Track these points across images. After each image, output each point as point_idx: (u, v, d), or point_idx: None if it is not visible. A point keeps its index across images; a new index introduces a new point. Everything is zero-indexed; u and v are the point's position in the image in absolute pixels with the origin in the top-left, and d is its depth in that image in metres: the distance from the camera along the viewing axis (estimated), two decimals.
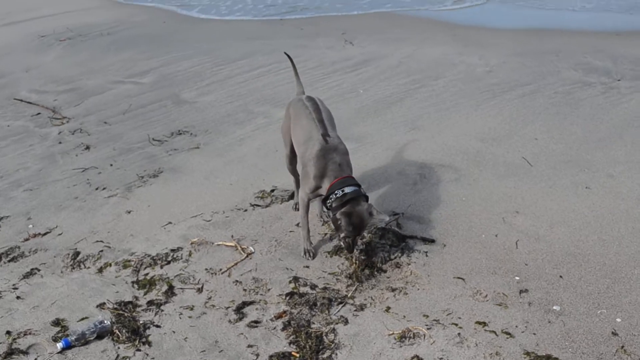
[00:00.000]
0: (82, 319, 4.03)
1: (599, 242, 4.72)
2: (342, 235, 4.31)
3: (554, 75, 8.60)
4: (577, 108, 7.38)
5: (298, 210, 5.14)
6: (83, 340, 3.79)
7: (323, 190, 4.45)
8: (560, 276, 4.33)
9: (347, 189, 4.30)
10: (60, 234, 5.14)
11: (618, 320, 3.89)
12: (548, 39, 10.68)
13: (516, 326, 3.86)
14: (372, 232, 4.77)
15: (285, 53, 5.80)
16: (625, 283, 4.24)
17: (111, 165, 6.44)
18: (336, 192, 4.30)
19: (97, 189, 5.91)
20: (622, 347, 3.66)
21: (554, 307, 4.02)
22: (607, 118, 7.03)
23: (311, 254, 4.64)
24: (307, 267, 4.52)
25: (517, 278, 4.32)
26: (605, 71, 8.68)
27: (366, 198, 4.39)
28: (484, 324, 3.89)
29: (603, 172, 5.77)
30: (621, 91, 7.86)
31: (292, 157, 5.09)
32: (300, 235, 4.76)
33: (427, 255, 4.60)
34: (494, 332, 3.81)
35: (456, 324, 3.89)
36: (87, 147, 6.93)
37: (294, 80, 5.59)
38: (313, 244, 4.74)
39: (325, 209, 4.68)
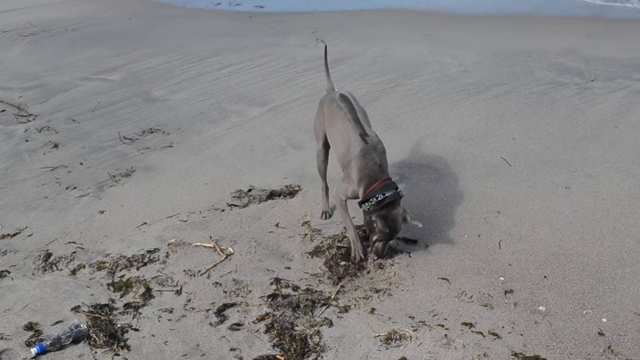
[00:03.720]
0: (57, 322, 3.89)
1: (581, 242, 4.70)
2: (375, 238, 4.30)
3: (528, 76, 8.62)
4: (553, 108, 7.39)
5: (326, 218, 5.07)
6: (58, 344, 3.65)
7: (361, 193, 4.40)
8: (545, 276, 4.29)
9: (388, 193, 4.27)
10: (30, 235, 4.97)
11: (604, 320, 3.86)
12: (519, 40, 10.71)
13: (503, 327, 3.81)
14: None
15: (322, 41, 5.70)
16: (609, 283, 4.22)
17: (81, 164, 6.27)
18: (377, 195, 4.27)
19: (67, 188, 5.74)
20: (609, 347, 3.64)
21: (540, 308, 3.98)
22: (583, 118, 7.05)
23: (366, 257, 4.51)
24: (289, 268, 4.42)
25: (501, 278, 4.27)
26: (578, 72, 8.72)
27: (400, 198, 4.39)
28: (471, 325, 3.83)
29: (582, 172, 5.76)
30: (595, 92, 7.90)
31: (325, 153, 4.97)
32: (288, 233, 4.65)
33: (410, 256, 4.54)
34: (481, 333, 3.76)
35: (442, 325, 3.83)
36: (56, 145, 6.74)
37: (324, 75, 5.51)
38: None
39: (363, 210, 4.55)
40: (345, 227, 4.68)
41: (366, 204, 4.33)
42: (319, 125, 4.92)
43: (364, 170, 4.37)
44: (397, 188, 4.35)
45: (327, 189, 5.09)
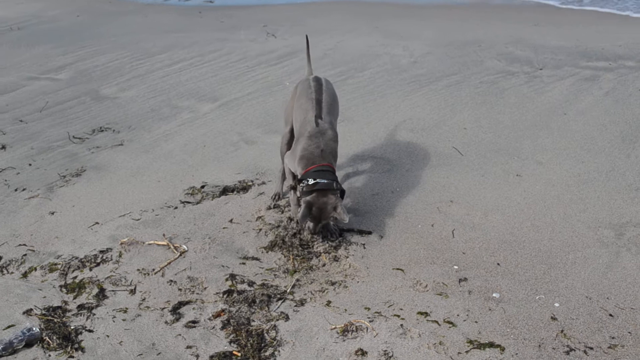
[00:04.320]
0: (8, 326, 3.79)
1: (533, 228, 4.76)
2: (301, 216, 4.34)
3: (478, 65, 8.71)
4: (503, 97, 7.48)
5: (277, 200, 5.15)
6: (10, 349, 3.56)
7: (299, 171, 4.47)
8: (498, 264, 4.34)
9: (319, 180, 4.31)
10: None
11: (556, 305, 3.92)
12: (468, 30, 10.81)
13: (458, 315, 3.84)
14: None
15: (306, 36, 5.73)
16: (560, 268, 4.28)
17: (30, 165, 6.15)
18: (308, 179, 4.32)
19: (16, 190, 5.62)
20: (562, 331, 3.69)
21: (494, 295, 4.02)
22: (532, 107, 7.15)
23: (278, 197, 4.98)
24: (244, 264, 4.40)
25: (455, 267, 4.31)
26: (527, 61, 8.84)
27: (342, 192, 4.44)
28: (426, 314, 3.85)
29: (532, 160, 5.84)
30: (544, 80, 8.01)
31: (290, 137, 5.01)
32: (242, 228, 4.63)
33: (364, 248, 4.55)
34: (437, 322, 3.78)
35: (398, 315, 3.84)
36: (3, 147, 6.59)
37: (306, 62, 5.56)
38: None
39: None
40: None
41: (300, 185, 4.39)
42: (290, 108, 4.99)
43: (305, 151, 4.44)
44: (335, 178, 4.40)
45: (284, 173, 5.09)
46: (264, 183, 5.44)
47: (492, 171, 5.65)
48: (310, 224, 4.39)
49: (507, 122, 6.74)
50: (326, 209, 4.32)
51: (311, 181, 4.33)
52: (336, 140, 4.62)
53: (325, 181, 4.34)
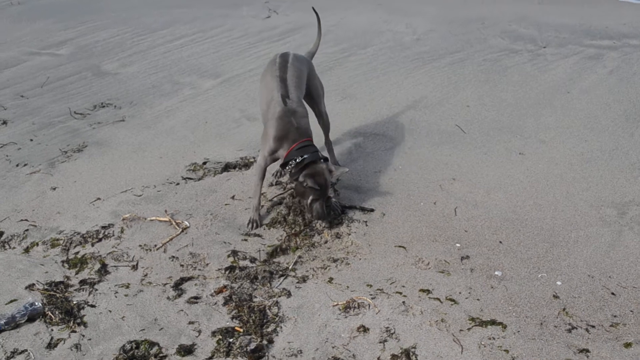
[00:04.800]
0: (11, 301, 3.80)
1: (535, 207, 4.75)
2: (310, 199, 4.32)
3: (481, 43, 8.65)
4: (506, 75, 7.44)
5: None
6: (13, 323, 3.57)
7: (281, 155, 4.42)
8: (500, 242, 4.33)
9: (306, 155, 4.29)
10: None
11: (558, 283, 3.92)
12: (472, 7, 10.73)
13: (460, 292, 3.85)
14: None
15: (312, 8, 5.63)
16: (562, 247, 4.28)
17: (31, 140, 6.13)
18: (296, 158, 4.30)
19: (17, 165, 5.60)
20: (564, 309, 3.69)
21: (496, 273, 4.02)
22: (535, 85, 7.11)
23: (257, 225, 4.53)
24: (246, 240, 4.39)
25: (457, 245, 4.30)
26: (530, 39, 8.79)
27: (325, 160, 4.41)
28: (428, 291, 3.86)
29: (535, 138, 5.82)
30: (547, 58, 7.97)
31: None
32: (244, 205, 4.64)
33: (367, 225, 4.54)
34: (439, 299, 3.78)
35: (400, 293, 3.85)
36: (4, 122, 6.57)
37: (314, 40, 5.66)
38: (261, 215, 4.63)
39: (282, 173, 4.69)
40: (254, 192, 4.63)
41: (287, 167, 4.37)
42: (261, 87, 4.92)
43: (281, 131, 4.39)
44: (317, 150, 4.41)
45: None
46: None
47: (494, 149, 5.63)
48: (317, 206, 4.34)
49: (510, 100, 6.71)
50: (325, 175, 4.32)
51: (299, 159, 4.32)
52: (307, 116, 4.57)
53: (310, 154, 4.33)
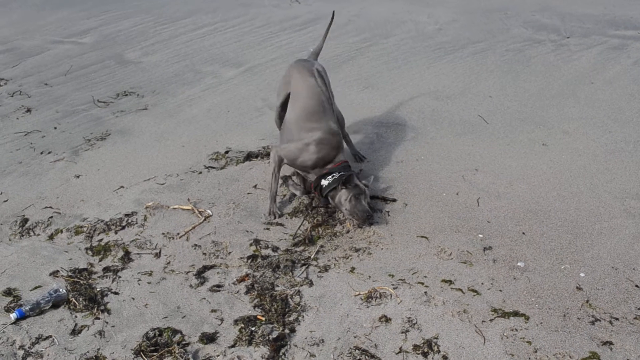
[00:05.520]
0: (35, 287, 3.85)
1: (559, 198, 4.72)
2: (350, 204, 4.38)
3: (504, 33, 8.60)
4: (529, 65, 7.39)
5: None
6: (38, 309, 3.61)
7: (314, 172, 4.58)
8: (523, 233, 4.31)
9: (344, 176, 4.42)
10: (5, 201, 4.90)
11: (582, 275, 3.89)
12: None
13: (482, 283, 3.83)
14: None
15: (333, 12, 5.72)
16: (586, 238, 4.25)
17: (55, 128, 6.18)
18: (341, 172, 4.47)
19: (42, 153, 5.66)
20: (587, 301, 3.67)
21: (519, 264, 4.00)
22: (558, 75, 7.06)
23: (276, 215, 4.55)
24: (268, 229, 4.41)
25: (480, 235, 4.29)
26: (554, 29, 8.72)
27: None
28: (450, 282, 3.85)
29: (558, 129, 5.78)
30: (571, 48, 7.91)
31: (284, 110, 5.03)
32: (266, 195, 4.68)
33: (389, 215, 4.54)
34: (461, 290, 3.77)
35: (422, 283, 3.84)
36: (28, 110, 6.64)
37: (321, 37, 5.55)
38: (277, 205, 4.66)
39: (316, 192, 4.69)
40: (272, 184, 4.65)
41: (323, 182, 4.48)
42: (285, 85, 4.98)
43: (322, 152, 4.55)
44: (352, 170, 4.61)
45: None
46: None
47: (517, 140, 5.60)
48: (364, 210, 4.36)
49: (534, 90, 6.66)
50: (366, 192, 4.43)
51: (336, 175, 4.45)
52: (340, 134, 4.77)
53: (345, 173, 4.45)
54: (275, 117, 5.19)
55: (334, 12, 5.69)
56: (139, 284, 3.89)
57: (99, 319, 3.61)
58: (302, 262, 4.06)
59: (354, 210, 4.33)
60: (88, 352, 3.37)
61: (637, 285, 3.79)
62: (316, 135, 4.55)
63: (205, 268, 4.03)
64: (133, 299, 3.77)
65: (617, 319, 3.53)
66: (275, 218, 4.53)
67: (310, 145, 4.54)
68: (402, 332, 3.47)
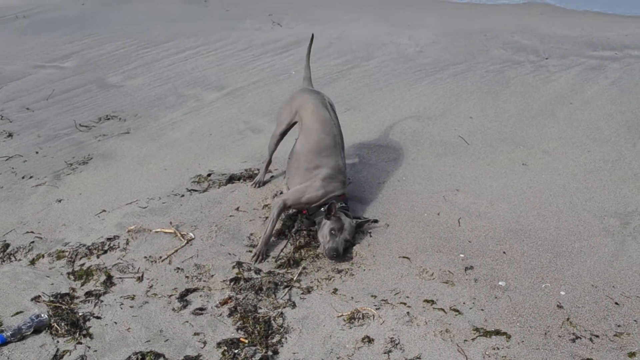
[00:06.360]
0: (17, 313, 3.82)
1: (539, 217, 4.77)
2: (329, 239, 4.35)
3: (483, 55, 8.70)
4: (509, 86, 7.48)
5: (258, 187, 5.25)
6: (19, 335, 3.59)
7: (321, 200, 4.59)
8: (504, 252, 4.35)
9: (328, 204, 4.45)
10: None
11: (562, 293, 3.93)
12: (475, 19, 10.79)
13: (464, 303, 3.86)
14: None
15: (312, 35, 5.74)
16: (566, 257, 4.29)
17: (37, 152, 6.16)
18: (341, 203, 4.56)
19: (23, 177, 5.64)
20: (568, 319, 3.70)
21: (500, 283, 4.03)
22: (538, 96, 7.15)
23: (264, 258, 4.39)
24: (250, 251, 4.41)
25: (461, 255, 4.32)
26: (533, 50, 8.84)
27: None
28: (432, 302, 3.87)
29: (538, 149, 5.85)
30: (549, 69, 8.01)
31: (281, 139, 5.17)
32: (248, 217, 4.68)
33: (371, 236, 4.56)
34: (443, 310, 3.79)
35: (404, 303, 3.86)
36: (10, 135, 6.61)
37: (304, 61, 5.55)
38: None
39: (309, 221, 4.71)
40: (268, 227, 4.50)
41: (321, 213, 4.51)
42: (288, 114, 5.02)
43: (328, 186, 4.58)
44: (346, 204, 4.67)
45: (269, 162, 5.29)
46: (270, 172, 5.44)
47: (498, 160, 5.66)
48: (332, 248, 4.31)
49: (513, 111, 6.74)
50: (342, 223, 4.40)
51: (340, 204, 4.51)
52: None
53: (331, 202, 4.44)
54: (270, 144, 5.20)
55: (312, 35, 5.71)
56: (122, 308, 3.88)
57: (81, 343, 3.59)
58: (285, 284, 4.07)
59: (324, 245, 4.34)
60: None
61: (616, 303, 3.82)
62: (323, 172, 4.60)
63: (188, 291, 4.02)
64: (115, 323, 3.76)
65: (597, 336, 3.56)
66: (261, 260, 4.38)
67: (316, 182, 4.58)
68: (385, 353, 3.48)
